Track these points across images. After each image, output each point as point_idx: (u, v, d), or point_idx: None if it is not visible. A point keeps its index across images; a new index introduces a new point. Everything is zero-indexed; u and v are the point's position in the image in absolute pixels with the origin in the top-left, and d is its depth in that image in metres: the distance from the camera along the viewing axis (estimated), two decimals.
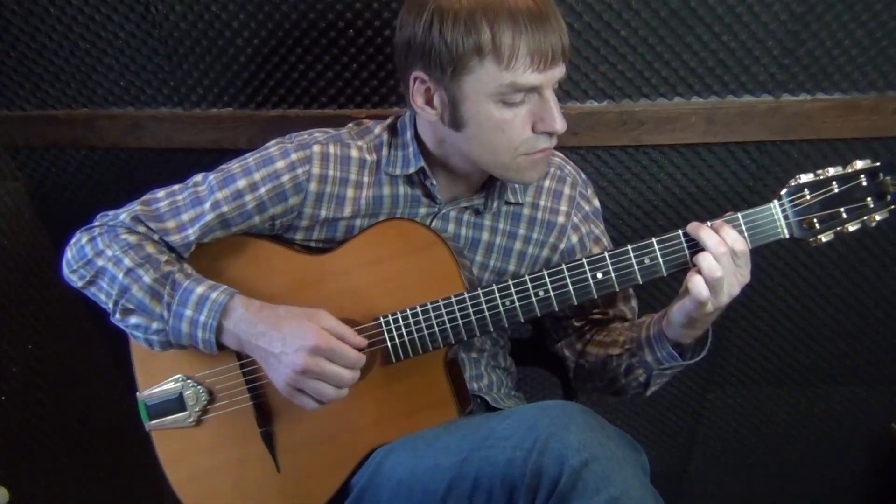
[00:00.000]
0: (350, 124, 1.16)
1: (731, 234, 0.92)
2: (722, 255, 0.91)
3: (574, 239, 1.19)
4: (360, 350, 0.99)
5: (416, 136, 1.10)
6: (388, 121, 1.15)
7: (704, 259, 0.91)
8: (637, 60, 1.33)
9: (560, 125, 0.97)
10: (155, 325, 1.03)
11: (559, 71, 0.97)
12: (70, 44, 1.39)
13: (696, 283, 0.91)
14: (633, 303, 1.22)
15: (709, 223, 0.94)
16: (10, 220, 1.52)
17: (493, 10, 0.92)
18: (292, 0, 1.29)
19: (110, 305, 1.05)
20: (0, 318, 1.48)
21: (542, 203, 1.17)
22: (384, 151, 1.11)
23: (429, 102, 1.01)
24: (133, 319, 1.04)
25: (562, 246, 1.19)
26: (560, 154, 1.22)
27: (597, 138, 1.39)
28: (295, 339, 0.96)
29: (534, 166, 1.04)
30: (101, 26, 1.36)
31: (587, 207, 1.22)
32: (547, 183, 1.18)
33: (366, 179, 1.10)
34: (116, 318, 1.06)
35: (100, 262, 1.04)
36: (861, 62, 1.31)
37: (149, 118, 1.45)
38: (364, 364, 1.00)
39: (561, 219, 1.18)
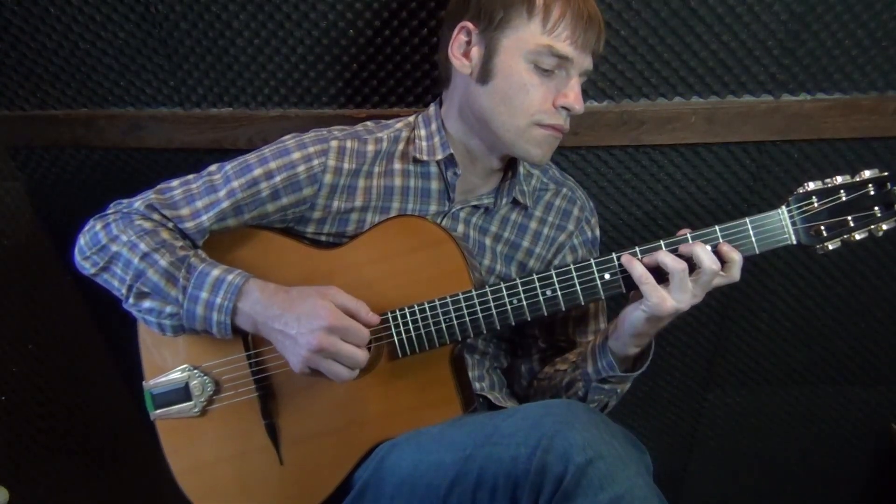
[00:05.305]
0: (368, 122, 1.18)
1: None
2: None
3: (569, 259, 1.22)
4: (371, 328, 1.00)
5: (442, 127, 1.12)
6: (410, 118, 1.18)
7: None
8: (637, 60, 1.33)
9: (579, 105, 1.04)
10: (169, 309, 1.03)
11: (589, 61, 1.05)
12: (70, 44, 1.39)
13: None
14: None
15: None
16: (10, 220, 1.52)
17: None
18: (293, 0, 1.30)
19: (124, 291, 1.05)
20: (0, 318, 1.48)
21: (549, 219, 1.21)
22: (401, 146, 1.13)
23: (465, 55, 1.06)
24: (147, 304, 1.04)
25: (556, 262, 1.21)
26: (573, 179, 1.26)
27: (597, 138, 1.39)
28: (310, 320, 0.97)
29: (542, 143, 1.07)
30: (101, 26, 1.36)
31: (589, 234, 1.25)
32: (557, 202, 1.22)
33: (376, 169, 1.12)
34: (129, 304, 1.06)
35: (114, 248, 1.04)
36: (861, 62, 1.31)
37: (149, 118, 1.45)
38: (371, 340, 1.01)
39: (563, 237, 1.22)
